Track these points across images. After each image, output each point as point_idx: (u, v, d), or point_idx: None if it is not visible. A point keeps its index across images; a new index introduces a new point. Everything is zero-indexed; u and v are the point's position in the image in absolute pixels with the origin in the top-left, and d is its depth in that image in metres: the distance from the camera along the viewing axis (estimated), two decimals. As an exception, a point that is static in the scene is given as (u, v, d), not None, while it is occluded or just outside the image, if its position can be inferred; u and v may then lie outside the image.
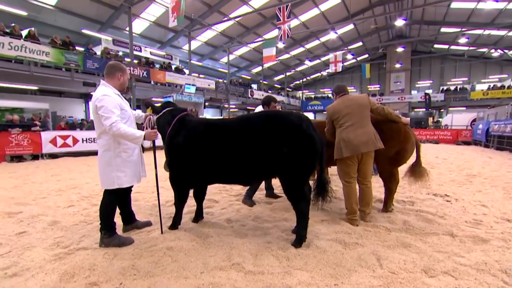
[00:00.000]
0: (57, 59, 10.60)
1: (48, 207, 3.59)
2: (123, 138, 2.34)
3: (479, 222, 2.95)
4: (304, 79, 34.69)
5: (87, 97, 14.58)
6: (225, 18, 16.95)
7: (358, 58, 31.02)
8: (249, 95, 23.40)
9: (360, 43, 26.66)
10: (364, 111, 2.87)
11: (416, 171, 3.21)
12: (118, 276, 1.92)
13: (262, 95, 24.72)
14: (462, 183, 4.94)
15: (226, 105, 21.97)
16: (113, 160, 2.39)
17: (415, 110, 27.44)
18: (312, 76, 34.76)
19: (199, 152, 2.46)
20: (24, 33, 10.43)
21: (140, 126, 2.71)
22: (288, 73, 31.28)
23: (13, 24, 10.78)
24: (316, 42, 24.82)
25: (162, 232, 2.67)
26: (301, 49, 25.80)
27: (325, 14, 19.63)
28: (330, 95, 32.76)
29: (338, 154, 2.86)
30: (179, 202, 2.76)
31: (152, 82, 14.93)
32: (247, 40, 21.35)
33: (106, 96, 2.29)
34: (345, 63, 30.85)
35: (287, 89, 35.32)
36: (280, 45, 19.11)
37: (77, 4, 13.25)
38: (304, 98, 33.04)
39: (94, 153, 3.07)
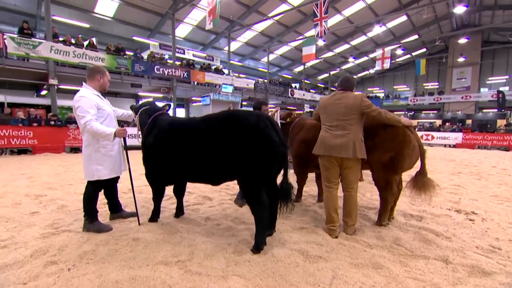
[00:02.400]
0: (110, 63, 12.07)
1: (68, 193, 4.14)
2: (96, 135, 2.53)
3: (495, 249, 2.40)
4: (351, 78, 32.70)
5: (137, 97, 16.27)
6: (264, 18, 17.03)
7: (414, 53, 27.96)
8: (290, 95, 23.10)
9: (416, 36, 23.93)
10: (351, 114, 2.56)
11: (419, 181, 2.76)
12: (76, 258, 2.12)
13: (303, 94, 24.19)
14: (506, 200, 4.08)
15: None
16: (93, 155, 2.62)
17: (484, 111, 23.54)
18: (360, 75, 32.53)
19: (166, 151, 2.55)
20: (85, 42, 12.13)
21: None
22: (332, 72, 29.90)
23: (81, 35, 12.67)
24: (363, 38, 23.18)
25: (139, 224, 2.84)
26: (346, 46, 24.42)
27: (372, 7, 18.18)
28: (378, 95, 30.30)
29: (315, 149, 2.74)
30: (156, 197, 2.90)
31: (194, 83, 15.93)
32: (288, 39, 21.09)
33: (83, 97, 2.51)
34: (398, 59, 28.17)
35: (332, 88, 33.83)
36: (321, 42, 18.42)
37: (130, 14, 14.87)
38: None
39: (136, 147, 3.47)
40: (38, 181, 4.84)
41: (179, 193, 3.08)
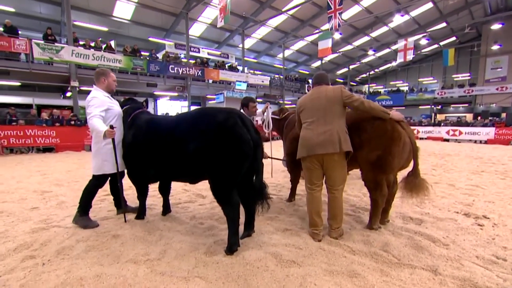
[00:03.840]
0: (126, 64, 12.55)
1: (72, 189, 4.33)
2: (93, 130, 2.64)
3: (498, 260, 2.13)
4: (372, 72, 31.33)
5: (154, 96, 16.80)
6: (278, 13, 16.74)
7: (442, 43, 26.05)
8: (306, 90, 22.64)
9: (443, 24, 22.26)
10: (332, 106, 2.41)
11: (410, 182, 2.52)
12: (54, 254, 2.19)
13: (320, 90, 23.54)
14: (528, 203, 3.65)
15: (282, 101, 21.85)
16: (100, 151, 2.74)
17: (523, 103, 21.40)
18: (381, 68, 31.06)
19: (142, 149, 2.55)
20: (103, 45, 12.69)
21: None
22: (352, 66, 28.81)
23: (100, 39, 13.28)
24: (384, 29, 22.01)
25: (125, 221, 2.89)
26: (365, 39, 23.35)
27: (393, -5, 17.17)
28: (402, 88, 28.74)
29: (297, 152, 2.56)
30: (140, 195, 2.93)
31: (210, 81, 16.13)
32: (304, 34, 20.57)
33: (94, 97, 2.66)
34: (424, 50, 26.49)
35: (352, 83, 32.64)
36: (337, 36, 17.75)
37: (146, 16, 15.32)
38: (370, 93, 29.93)
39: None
40: (49, 178, 5.13)
41: (164, 191, 3.09)
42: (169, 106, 19.70)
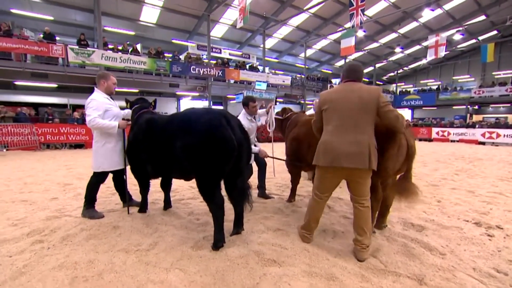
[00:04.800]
0: (151, 66, 13.20)
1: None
2: (102, 129, 2.90)
3: (498, 273, 1.98)
4: (400, 70, 29.72)
5: (177, 96, 17.47)
6: (299, 12, 16.56)
7: (481, 37, 23.95)
8: (328, 90, 22.13)
9: (482, 17, 20.46)
10: (366, 111, 2.03)
11: (400, 186, 2.41)
12: (59, 240, 2.42)
13: (343, 89, 22.86)
14: (556, 215, 3.29)
15: (303, 101, 21.59)
16: (99, 149, 2.98)
17: None
18: (411, 66, 29.32)
19: (141, 147, 2.71)
20: (130, 48, 13.46)
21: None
22: (378, 64, 27.56)
23: (128, 42, 14.10)
24: (414, 25, 20.76)
25: (128, 213, 3.10)
26: (393, 35, 22.22)
27: (423, -12, 16.13)
28: (433, 87, 26.92)
29: (315, 158, 2.22)
30: (142, 190, 3.12)
31: (232, 81, 16.42)
32: (326, 32, 20.11)
33: (93, 99, 2.88)
34: (460, 46, 24.55)
35: (378, 82, 31.22)
36: (360, 33, 17.13)
37: (170, 19, 15.98)
38: (398, 92, 28.43)
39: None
40: (73, 172, 5.60)
41: (165, 187, 3.25)
42: (192, 105, 20.35)
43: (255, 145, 3.54)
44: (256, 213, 3.20)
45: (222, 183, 2.36)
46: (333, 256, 2.19)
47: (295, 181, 3.62)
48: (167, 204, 3.29)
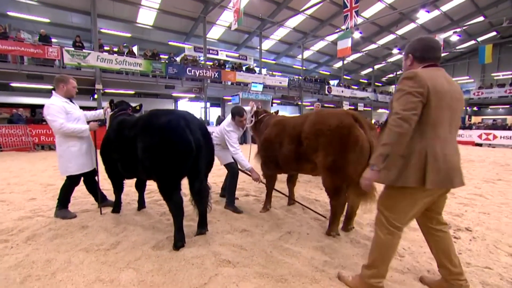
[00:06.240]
0: (146, 68, 13.27)
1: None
2: (73, 133, 2.93)
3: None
4: (399, 72, 29.63)
5: (174, 98, 17.55)
6: (295, 13, 16.61)
7: (480, 38, 23.86)
8: (327, 92, 22.15)
9: (481, 18, 20.39)
10: (460, 109, 1.60)
11: (358, 190, 2.39)
12: (24, 239, 2.45)
13: (342, 91, 22.88)
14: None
15: (300, 103, 21.58)
16: (63, 153, 2.99)
17: None
18: (410, 67, 29.22)
19: (112, 148, 2.74)
20: (126, 50, 13.56)
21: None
22: (376, 66, 27.55)
23: (125, 44, 14.21)
24: (411, 26, 20.75)
25: (101, 213, 3.12)
26: (391, 37, 22.21)
27: (420, -10, 16.12)
28: (432, 88, 26.76)
29: (410, 177, 1.51)
30: (116, 190, 3.15)
31: (229, 83, 16.47)
32: (324, 34, 20.15)
33: (52, 105, 2.87)
34: (459, 47, 24.46)
35: (377, 84, 31.20)
36: (357, 35, 17.14)
37: (167, 21, 16.10)
38: (397, 93, 28.32)
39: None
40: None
41: (139, 188, 3.28)
42: (189, 107, 20.43)
43: (247, 167, 3.23)
44: (228, 214, 3.22)
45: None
46: (291, 258, 2.20)
47: (270, 184, 3.41)
48: (141, 204, 3.32)
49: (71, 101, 3.10)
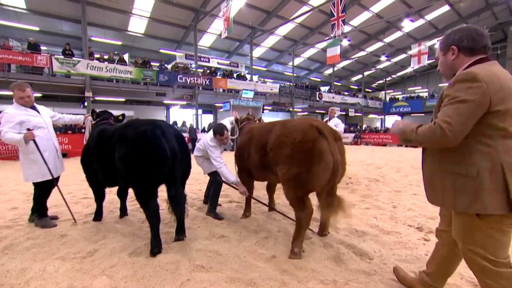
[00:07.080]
0: (137, 75, 13.33)
1: (56, 192, 4.71)
2: (11, 143, 2.95)
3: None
4: (389, 78, 30.37)
5: (165, 105, 17.59)
6: (285, 22, 16.98)
7: (464, 46, 24.66)
8: (317, 98, 22.50)
9: (464, 27, 21.15)
10: None
11: (326, 201, 2.43)
12: (1, 249, 2.45)
13: (333, 97, 23.28)
14: None
15: (291, 109, 21.84)
16: (24, 161, 2.99)
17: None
18: (399, 74, 29.99)
19: (91, 155, 2.80)
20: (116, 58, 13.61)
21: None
22: (366, 72, 28.17)
23: (116, 52, 14.25)
24: (398, 34, 21.40)
25: (75, 222, 3.13)
26: (379, 44, 22.82)
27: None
28: (421, 95, 27.51)
29: (492, 202, 1.23)
30: (97, 198, 3.19)
31: (220, 90, 16.62)
32: (313, 41, 20.59)
33: (5, 113, 2.87)
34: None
35: (367, 90, 31.82)
36: (345, 42, 17.59)
37: (158, 29, 16.25)
38: (387, 99, 28.98)
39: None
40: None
41: (121, 195, 3.32)
42: (181, 114, 20.46)
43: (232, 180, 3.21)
44: (209, 220, 3.28)
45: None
46: (264, 262, 2.26)
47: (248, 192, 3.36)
48: (123, 212, 3.36)
49: (34, 108, 3.05)
